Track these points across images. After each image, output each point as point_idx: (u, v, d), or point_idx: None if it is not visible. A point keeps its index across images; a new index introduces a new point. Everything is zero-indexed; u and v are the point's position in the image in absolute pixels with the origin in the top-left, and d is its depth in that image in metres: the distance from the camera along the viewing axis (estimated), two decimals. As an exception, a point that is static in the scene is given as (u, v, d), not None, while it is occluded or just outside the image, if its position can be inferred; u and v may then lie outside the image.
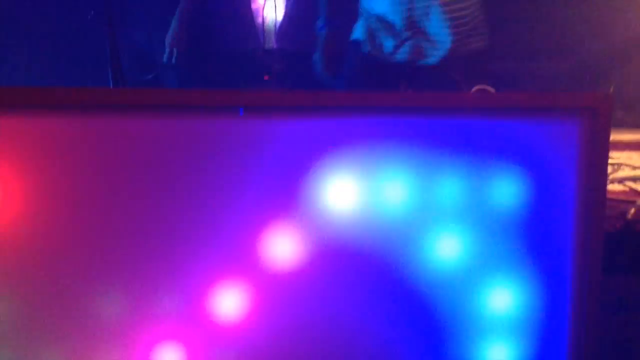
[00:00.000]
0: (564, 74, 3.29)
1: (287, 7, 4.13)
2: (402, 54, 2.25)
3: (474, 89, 2.02)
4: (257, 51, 4.12)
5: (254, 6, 4.19)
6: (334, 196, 1.17)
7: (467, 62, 2.24)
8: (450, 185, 1.19)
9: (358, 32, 2.36)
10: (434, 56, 2.23)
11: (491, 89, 2.07)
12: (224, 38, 4.08)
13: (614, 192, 1.55)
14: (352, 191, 1.18)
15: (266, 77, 3.98)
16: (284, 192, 1.17)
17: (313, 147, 1.16)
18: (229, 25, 4.09)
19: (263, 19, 4.17)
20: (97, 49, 2.26)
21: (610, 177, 1.68)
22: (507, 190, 1.20)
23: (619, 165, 1.75)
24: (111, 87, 2.22)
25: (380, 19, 2.25)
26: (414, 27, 2.23)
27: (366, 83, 2.30)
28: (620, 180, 1.62)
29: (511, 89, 3.20)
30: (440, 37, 2.19)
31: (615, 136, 2.09)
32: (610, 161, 1.84)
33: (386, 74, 2.27)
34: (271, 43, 4.24)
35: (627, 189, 1.57)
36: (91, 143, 1.13)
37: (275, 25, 4.19)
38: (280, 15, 4.14)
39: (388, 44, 2.26)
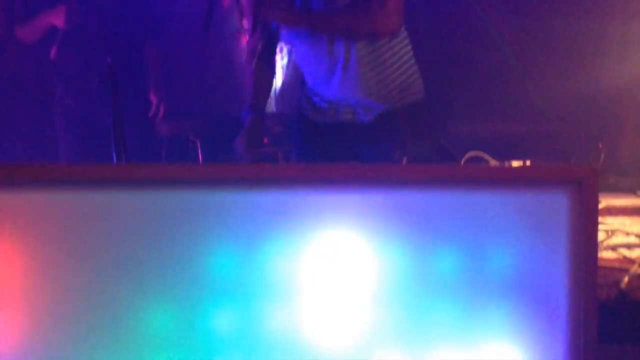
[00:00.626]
0: (555, 136, 3.36)
1: (285, 72, 4.25)
2: (340, 115, 2.33)
3: (467, 155, 2.06)
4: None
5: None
6: (328, 270, 1.19)
7: (409, 116, 2.30)
8: (442, 257, 1.21)
9: (301, 99, 2.46)
10: (369, 114, 2.28)
11: (485, 155, 2.11)
12: (223, 102, 4.18)
13: (607, 260, 1.56)
14: (347, 264, 1.20)
15: (265, 140, 4.05)
16: (278, 266, 1.19)
17: (306, 221, 1.19)
18: (229, 89, 4.19)
19: (263, 83, 4.27)
20: (100, 118, 2.32)
21: (604, 244, 1.69)
22: (498, 261, 1.22)
23: (613, 231, 1.77)
24: (114, 154, 2.27)
25: (312, 85, 2.37)
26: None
27: (313, 147, 2.38)
28: (614, 248, 1.63)
29: (503, 151, 3.26)
30: (367, 102, 2.27)
31: (608, 201, 2.13)
32: (603, 227, 1.86)
33: (330, 136, 2.35)
34: (270, 107, 4.33)
35: (620, 256, 1.58)
36: (88, 217, 1.16)
37: (274, 90, 4.30)
38: (279, 80, 4.26)
39: (323, 109, 2.34)
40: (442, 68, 3.71)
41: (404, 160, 1.85)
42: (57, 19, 2.86)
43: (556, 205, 1.21)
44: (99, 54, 2.24)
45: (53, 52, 3.00)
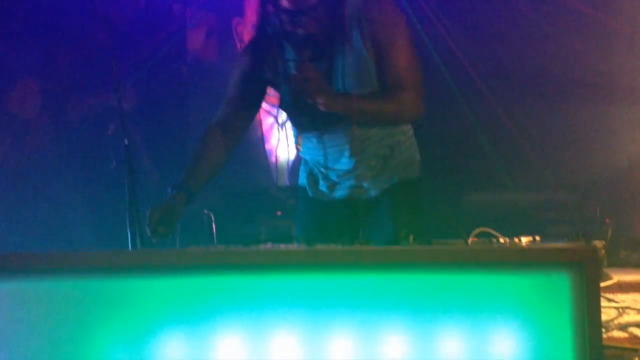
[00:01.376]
0: (565, 209, 3.38)
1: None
2: (341, 191, 2.31)
3: (476, 231, 2.07)
4: (270, 188, 4.28)
5: (267, 146, 4.40)
6: (333, 352, 1.20)
7: (406, 191, 2.28)
8: (446, 339, 1.21)
9: (302, 178, 2.42)
10: (371, 190, 2.28)
11: (493, 232, 2.12)
12: (239, 175, 4.26)
13: (617, 340, 1.55)
14: (350, 347, 1.21)
15: (279, 213, 4.10)
16: (283, 348, 1.20)
17: (310, 304, 1.20)
18: (244, 162, 4.28)
19: (276, 157, 4.37)
20: (117, 197, 2.39)
21: (614, 322, 1.68)
22: (502, 343, 1.22)
23: (624, 309, 1.76)
24: (129, 237, 2.31)
25: (313, 165, 2.35)
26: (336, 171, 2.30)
27: (315, 224, 2.33)
28: (624, 327, 1.62)
29: (514, 221, 3.29)
30: (365, 180, 2.27)
31: (619, 277, 2.11)
32: (614, 305, 1.84)
33: (332, 213, 2.31)
34: (284, 180, 4.40)
35: (631, 336, 1.56)
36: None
37: (287, 164, 4.38)
38: (292, 154, 4.34)
39: (322, 186, 2.32)
40: (455, 139, 3.78)
41: (411, 239, 1.85)
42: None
43: (558, 286, 1.22)
44: (117, 135, 2.32)
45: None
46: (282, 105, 2.31)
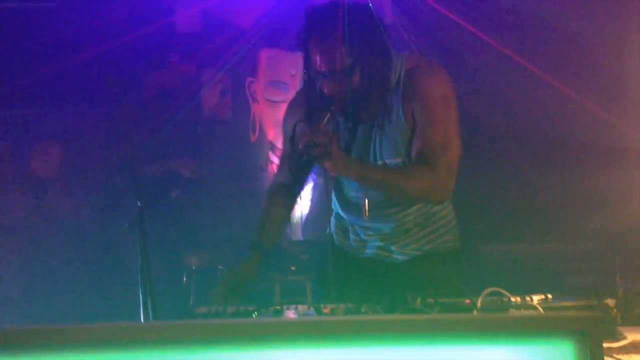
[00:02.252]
0: (578, 262, 3.36)
1: (312, 200, 4.37)
2: (368, 250, 2.24)
3: (486, 291, 2.06)
4: (284, 243, 4.30)
5: (281, 201, 4.44)
6: None
7: (440, 263, 2.20)
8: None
9: (332, 225, 2.35)
10: (401, 256, 2.21)
11: (503, 291, 2.10)
12: (251, 231, 4.29)
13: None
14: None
15: (293, 268, 4.11)
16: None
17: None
18: (257, 219, 4.31)
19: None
20: (129, 260, 2.44)
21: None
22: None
23: (639, 372, 1.72)
24: (141, 300, 2.34)
25: (348, 218, 2.25)
26: (370, 232, 2.22)
27: (339, 277, 2.18)
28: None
29: (526, 277, 3.27)
30: (399, 246, 2.19)
31: (634, 336, 2.07)
32: (629, 368, 1.80)
33: (353, 268, 2.23)
34: (297, 235, 4.42)
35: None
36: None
37: (301, 218, 4.40)
38: (306, 208, 4.37)
39: (351, 241, 2.26)
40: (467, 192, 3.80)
41: (418, 302, 1.83)
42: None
43: (562, 355, 1.21)
44: (129, 197, 2.37)
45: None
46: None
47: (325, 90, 1.98)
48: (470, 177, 3.77)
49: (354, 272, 2.28)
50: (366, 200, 2.12)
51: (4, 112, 3.82)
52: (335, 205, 2.31)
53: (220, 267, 4.15)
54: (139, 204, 2.39)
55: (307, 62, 2.01)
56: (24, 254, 3.62)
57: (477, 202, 3.78)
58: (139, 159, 2.90)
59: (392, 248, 2.23)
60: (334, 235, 2.33)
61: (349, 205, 2.24)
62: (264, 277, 4.08)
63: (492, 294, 2.03)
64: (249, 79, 4.36)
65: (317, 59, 1.95)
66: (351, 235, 2.30)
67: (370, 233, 2.26)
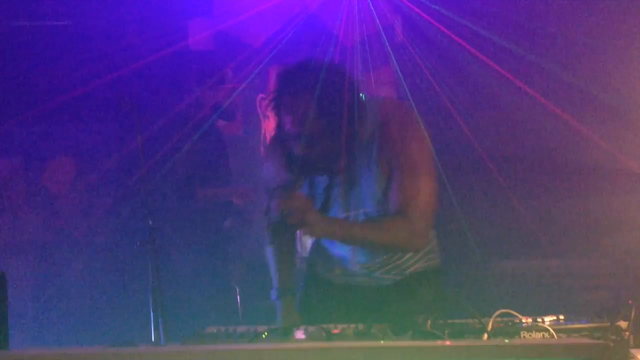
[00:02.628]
0: (590, 274, 3.34)
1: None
2: (351, 277, 2.23)
3: (497, 313, 2.05)
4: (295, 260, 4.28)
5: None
6: None
7: (427, 280, 2.21)
8: None
9: (315, 255, 2.35)
10: (382, 280, 2.20)
11: (515, 313, 2.09)
12: (261, 248, 4.29)
13: None
14: None
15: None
16: None
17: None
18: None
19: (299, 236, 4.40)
20: (140, 277, 2.45)
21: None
22: None
23: (650, 395, 1.70)
24: (152, 319, 2.35)
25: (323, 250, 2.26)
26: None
27: (324, 306, 2.21)
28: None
29: (538, 296, 3.25)
30: (382, 272, 2.20)
31: (645, 358, 2.05)
32: (640, 391, 1.78)
33: (340, 295, 2.21)
34: (307, 252, 4.40)
35: None
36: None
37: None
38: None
39: (333, 271, 2.25)
40: (476, 210, 3.79)
41: (429, 325, 1.81)
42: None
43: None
44: (141, 216, 2.39)
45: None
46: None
47: (296, 152, 1.98)
48: (482, 195, 3.79)
49: (341, 298, 2.26)
50: (353, 253, 2.17)
51: (19, 129, 3.87)
52: (316, 242, 2.31)
53: (233, 285, 4.17)
54: (150, 222, 2.41)
55: (278, 122, 2.01)
56: (35, 271, 3.65)
57: (488, 220, 3.78)
58: (151, 178, 2.93)
59: (376, 274, 2.22)
60: (316, 263, 2.31)
61: (332, 250, 2.24)
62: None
63: (502, 314, 2.02)
64: (260, 95, 4.39)
65: (288, 119, 1.95)
66: (333, 267, 2.28)
67: (355, 266, 2.25)
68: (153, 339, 2.34)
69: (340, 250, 2.22)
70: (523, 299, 2.36)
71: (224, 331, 1.82)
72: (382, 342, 1.51)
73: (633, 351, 2.11)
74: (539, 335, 1.82)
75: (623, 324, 1.97)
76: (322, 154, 1.98)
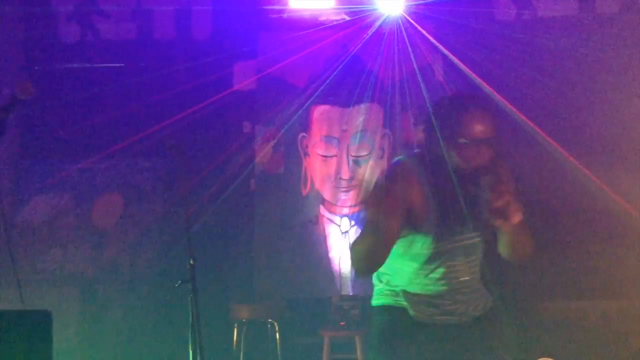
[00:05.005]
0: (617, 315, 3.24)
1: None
2: (438, 316, 2.25)
3: (535, 360, 2.02)
4: (333, 297, 4.30)
5: (330, 254, 4.46)
6: None
7: (496, 315, 2.28)
8: None
9: (386, 297, 2.30)
10: (464, 316, 2.24)
11: None
12: (303, 284, 4.33)
13: None
14: None
15: (342, 323, 4.09)
16: None
17: None
18: (308, 273, 4.35)
19: (339, 266, 4.41)
20: (181, 314, 2.50)
21: None
22: None
23: None
24: (190, 356, 2.39)
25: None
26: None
27: (417, 347, 2.20)
28: None
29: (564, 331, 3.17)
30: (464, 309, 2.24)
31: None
32: None
33: (431, 336, 2.19)
34: (347, 290, 4.42)
35: None
36: None
37: (351, 273, 4.41)
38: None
39: (421, 310, 2.25)
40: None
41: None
42: None
43: None
44: (182, 255, 2.45)
45: None
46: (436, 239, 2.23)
47: (478, 157, 2.10)
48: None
49: (432, 339, 2.27)
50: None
51: (68, 166, 4.02)
52: (409, 281, 2.31)
53: (270, 320, 4.20)
54: (191, 261, 2.47)
55: (454, 131, 2.10)
56: (79, 306, 3.75)
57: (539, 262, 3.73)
58: (195, 216, 3.01)
59: (459, 310, 2.27)
60: (407, 307, 2.29)
61: (431, 283, 2.28)
62: (312, 332, 4.10)
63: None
64: (302, 134, 4.47)
65: (479, 127, 2.09)
66: (420, 305, 2.31)
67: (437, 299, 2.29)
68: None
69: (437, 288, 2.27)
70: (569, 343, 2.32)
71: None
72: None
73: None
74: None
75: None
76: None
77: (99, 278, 3.81)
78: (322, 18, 4.45)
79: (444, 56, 4.36)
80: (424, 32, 4.36)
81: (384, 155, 4.45)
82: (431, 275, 2.29)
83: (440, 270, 2.31)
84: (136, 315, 3.70)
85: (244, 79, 4.45)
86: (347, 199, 4.43)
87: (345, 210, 4.43)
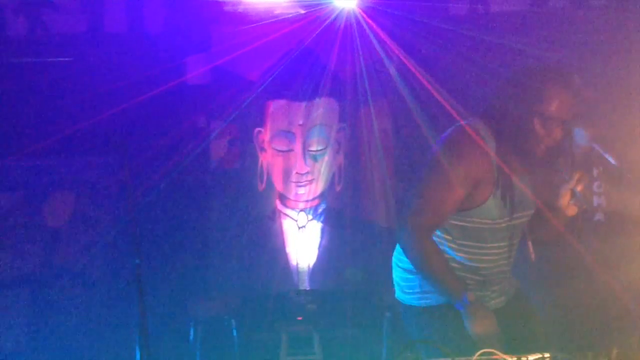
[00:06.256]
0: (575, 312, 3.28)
1: (319, 249, 4.37)
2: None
3: (478, 353, 2.03)
4: (290, 292, 4.28)
5: (287, 249, 4.44)
6: None
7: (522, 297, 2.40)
8: None
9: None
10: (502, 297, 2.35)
11: (497, 352, 2.08)
12: (261, 280, 4.30)
13: None
14: None
15: (299, 318, 4.08)
16: None
17: None
18: (264, 268, 4.32)
19: (297, 261, 4.40)
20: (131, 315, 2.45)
21: None
22: None
23: None
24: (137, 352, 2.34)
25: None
26: None
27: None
28: None
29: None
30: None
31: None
32: None
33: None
34: (304, 284, 4.41)
35: None
36: None
37: (309, 267, 4.39)
38: (313, 258, 4.36)
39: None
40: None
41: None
42: None
43: None
44: (128, 254, 2.40)
45: None
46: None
47: (560, 136, 2.11)
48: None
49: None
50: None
51: (14, 163, 3.89)
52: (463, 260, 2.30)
53: (226, 316, 4.16)
54: (137, 261, 2.42)
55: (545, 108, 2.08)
56: (27, 306, 3.65)
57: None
58: (145, 213, 2.93)
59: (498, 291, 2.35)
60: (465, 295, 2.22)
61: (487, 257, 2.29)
62: (270, 328, 4.08)
63: (485, 354, 2.01)
64: (257, 129, 4.43)
65: (572, 106, 2.10)
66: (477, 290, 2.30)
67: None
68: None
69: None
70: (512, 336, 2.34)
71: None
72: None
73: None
74: (523, 373, 1.81)
75: (603, 362, 1.96)
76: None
77: (47, 279, 3.72)
78: (277, 11, 4.40)
79: (398, 50, 4.36)
80: (378, 26, 4.36)
81: (341, 149, 4.44)
82: (487, 255, 2.24)
83: (498, 248, 2.29)
84: (85, 316, 3.61)
85: (197, 73, 4.38)
86: (304, 194, 4.41)
87: (302, 205, 4.41)
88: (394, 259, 2.50)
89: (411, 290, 2.39)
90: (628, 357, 1.97)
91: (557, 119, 2.12)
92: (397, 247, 2.44)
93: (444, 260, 2.23)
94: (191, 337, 3.83)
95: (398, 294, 2.47)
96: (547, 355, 2.10)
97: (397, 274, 2.47)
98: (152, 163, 4.01)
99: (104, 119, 3.54)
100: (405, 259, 2.36)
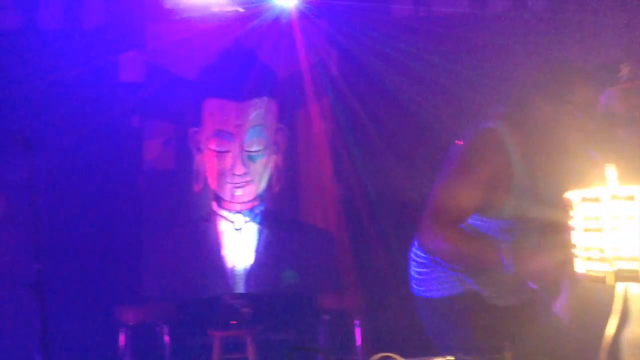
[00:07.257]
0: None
1: (256, 252, 4.29)
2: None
3: (377, 356, 1.99)
4: (225, 296, 4.20)
5: (223, 252, 4.36)
6: None
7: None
8: None
9: (454, 286, 2.28)
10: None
11: (395, 356, 2.03)
12: (193, 285, 4.20)
13: None
14: None
15: (233, 322, 4.00)
16: None
17: None
18: (200, 272, 4.23)
19: (233, 264, 4.31)
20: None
21: None
22: None
23: None
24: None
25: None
26: None
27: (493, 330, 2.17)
28: None
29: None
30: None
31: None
32: None
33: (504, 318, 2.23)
34: (240, 288, 4.32)
35: None
36: None
37: (244, 270, 4.31)
38: (249, 260, 4.28)
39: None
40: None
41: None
42: None
43: None
44: (28, 259, 2.30)
45: None
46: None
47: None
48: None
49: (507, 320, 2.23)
50: None
51: None
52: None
53: (158, 323, 4.05)
54: (35, 266, 2.32)
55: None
56: None
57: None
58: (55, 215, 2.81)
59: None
60: (480, 290, 2.22)
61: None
62: (203, 332, 3.98)
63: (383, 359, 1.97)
64: (193, 128, 4.33)
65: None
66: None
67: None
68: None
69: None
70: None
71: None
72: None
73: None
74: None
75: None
76: None
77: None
78: (215, 9, 4.32)
79: (339, 50, 4.33)
80: (318, 26, 4.31)
81: (279, 150, 4.38)
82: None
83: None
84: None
85: (131, 71, 4.27)
86: (241, 195, 4.33)
87: (239, 207, 4.34)
88: (410, 253, 2.46)
89: (425, 284, 2.38)
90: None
91: (590, 105, 2.13)
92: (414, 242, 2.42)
93: (467, 242, 2.17)
94: (120, 343, 3.72)
95: (413, 288, 2.44)
96: (450, 358, 2.06)
97: (412, 269, 2.44)
98: (86, 163, 3.89)
99: (9, 116, 3.41)
100: (421, 253, 2.34)
